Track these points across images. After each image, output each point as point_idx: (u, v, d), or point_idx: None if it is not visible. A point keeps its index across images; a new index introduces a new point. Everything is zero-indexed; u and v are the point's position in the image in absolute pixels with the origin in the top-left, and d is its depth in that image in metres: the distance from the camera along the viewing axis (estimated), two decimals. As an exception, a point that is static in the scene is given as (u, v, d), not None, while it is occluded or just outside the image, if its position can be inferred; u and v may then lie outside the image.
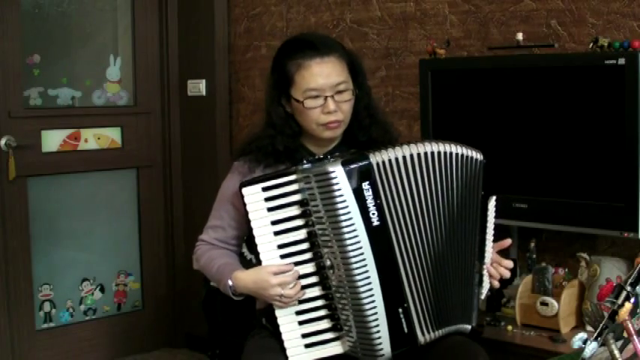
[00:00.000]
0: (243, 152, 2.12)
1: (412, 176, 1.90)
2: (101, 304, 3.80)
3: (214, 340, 3.55)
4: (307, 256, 1.92)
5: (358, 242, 1.84)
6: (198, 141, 3.87)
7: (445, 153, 1.92)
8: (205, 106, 3.81)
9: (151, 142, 3.90)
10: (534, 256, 2.61)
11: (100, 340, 3.76)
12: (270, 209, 1.92)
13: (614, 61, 2.31)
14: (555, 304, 2.44)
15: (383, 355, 1.87)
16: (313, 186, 1.87)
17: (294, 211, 1.91)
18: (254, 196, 1.93)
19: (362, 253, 1.84)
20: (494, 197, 2.01)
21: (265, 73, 3.64)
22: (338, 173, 1.84)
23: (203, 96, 3.82)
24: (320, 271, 1.91)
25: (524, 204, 2.53)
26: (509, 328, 2.50)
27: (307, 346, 1.93)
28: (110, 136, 3.78)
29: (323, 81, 1.97)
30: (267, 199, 1.92)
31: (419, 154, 1.90)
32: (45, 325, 3.60)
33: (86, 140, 3.69)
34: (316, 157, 1.99)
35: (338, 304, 1.90)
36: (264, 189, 1.92)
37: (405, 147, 1.90)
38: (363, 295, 1.85)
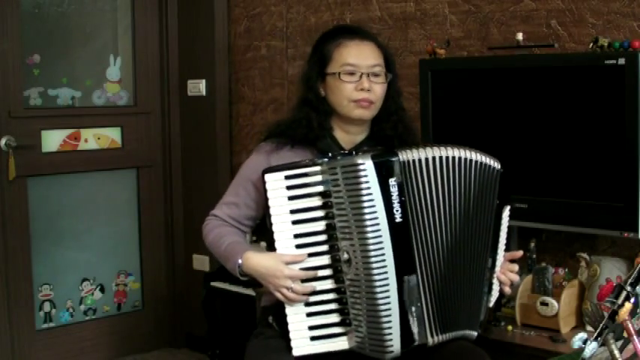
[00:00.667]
0: (271, 134, 2.14)
1: (434, 179, 1.92)
2: (101, 304, 3.80)
3: (214, 340, 3.56)
4: (323, 248, 1.93)
5: (380, 236, 1.84)
6: (198, 141, 3.87)
7: (466, 159, 1.94)
8: (205, 106, 3.81)
9: (151, 142, 3.90)
10: (534, 256, 2.61)
11: (100, 340, 3.77)
12: (290, 198, 1.94)
13: (614, 61, 2.30)
14: (555, 304, 2.44)
15: (392, 351, 1.87)
16: (339, 177, 1.88)
17: (315, 202, 1.92)
18: (276, 183, 1.94)
19: (382, 248, 1.85)
20: (508, 207, 2.02)
21: (265, 73, 3.68)
22: (367, 166, 1.85)
23: (203, 96, 3.82)
24: (334, 264, 1.92)
25: (524, 204, 2.53)
26: (509, 328, 2.50)
27: (313, 338, 1.93)
28: (110, 136, 3.78)
29: (360, 60, 2.04)
30: (289, 188, 1.94)
31: (440, 157, 1.92)
32: (45, 325, 3.60)
33: (86, 140, 3.69)
34: (343, 151, 2.02)
35: (350, 298, 1.90)
36: (287, 177, 1.94)
37: (429, 149, 1.92)
38: (379, 290, 1.84)
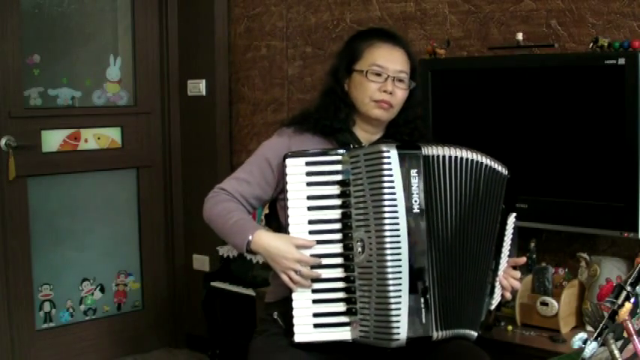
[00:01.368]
0: (295, 120, 2.18)
1: (450, 176, 1.96)
2: (101, 304, 3.80)
3: (214, 340, 3.56)
4: (336, 236, 1.95)
5: (397, 224, 1.87)
6: (198, 141, 3.87)
7: (478, 162, 2.00)
8: (205, 106, 3.81)
9: (151, 142, 3.90)
10: (534, 256, 2.61)
11: (100, 340, 3.76)
12: (309, 184, 1.97)
13: (614, 61, 2.31)
14: (555, 304, 2.44)
15: (398, 340, 1.87)
16: (361, 165, 1.92)
17: (334, 190, 1.96)
18: (296, 168, 1.97)
19: (398, 235, 1.87)
20: (514, 214, 2.07)
21: (265, 73, 3.68)
22: (392, 154, 1.90)
23: (203, 96, 3.82)
24: (346, 252, 1.94)
25: (524, 204, 2.53)
26: (509, 328, 2.50)
27: (316, 326, 1.94)
28: (110, 136, 3.78)
29: (389, 63, 2.09)
30: (308, 174, 1.97)
31: (457, 158, 1.98)
32: (45, 325, 3.60)
33: (86, 140, 3.69)
34: (362, 145, 2.08)
35: (359, 288, 1.92)
36: (308, 163, 1.97)
37: (448, 148, 1.97)
38: (391, 277, 1.86)
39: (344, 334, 1.94)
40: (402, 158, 1.90)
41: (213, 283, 3.49)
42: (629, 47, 2.32)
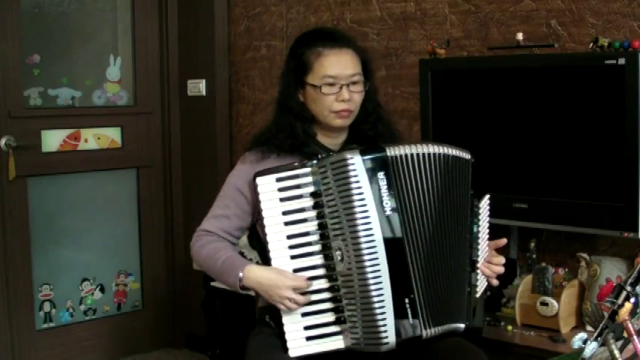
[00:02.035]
0: (256, 143, 2.15)
1: (418, 173, 1.96)
2: (101, 304, 3.80)
3: (214, 340, 3.56)
4: (316, 248, 1.95)
5: (370, 229, 1.87)
6: (198, 141, 3.87)
7: (442, 154, 1.99)
8: (205, 106, 3.81)
9: (151, 142, 3.90)
10: (534, 256, 2.61)
11: (100, 340, 3.77)
12: (282, 199, 1.97)
13: (614, 61, 2.31)
14: (555, 304, 2.44)
15: (387, 343, 1.88)
16: (329, 175, 1.92)
17: (307, 202, 1.96)
18: (267, 186, 1.97)
19: (374, 240, 1.87)
20: (487, 196, 2.07)
21: (265, 73, 3.68)
22: (356, 160, 1.89)
23: (203, 96, 3.82)
24: (327, 263, 1.94)
25: (524, 204, 2.53)
26: (509, 328, 2.50)
27: (309, 338, 1.94)
28: (110, 136, 3.78)
29: (340, 70, 2.05)
30: (280, 190, 1.97)
31: (423, 154, 1.97)
32: (45, 325, 3.60)
33: (86, 140, 3.69)
34: (330, 152, 2.05)
35: (344, 295, 1.92)
36: (279, 179, 1.97)
37: (412, 146, 1.97)
38: (372, 282, 1.86)
39: (337, 344, 1.94)
40: (367, 163, 1.90)
41: (213, 283, 3.47)
42: (629, 47, 2.32)
